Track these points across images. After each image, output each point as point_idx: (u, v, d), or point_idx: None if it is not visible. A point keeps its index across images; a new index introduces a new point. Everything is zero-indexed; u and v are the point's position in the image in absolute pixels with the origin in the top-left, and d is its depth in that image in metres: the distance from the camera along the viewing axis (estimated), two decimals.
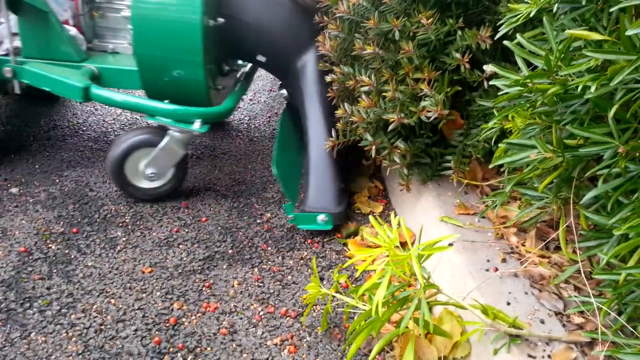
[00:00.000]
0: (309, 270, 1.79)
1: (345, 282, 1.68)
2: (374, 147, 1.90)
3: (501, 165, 1.44)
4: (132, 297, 1.59)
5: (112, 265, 1.72)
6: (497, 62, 1.77)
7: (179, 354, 1.42)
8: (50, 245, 1.78)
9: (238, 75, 2.46)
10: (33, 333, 1.43)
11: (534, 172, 1.37)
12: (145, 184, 2.08)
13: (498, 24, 1.37)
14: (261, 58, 2.25)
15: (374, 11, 1.80)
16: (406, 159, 1.85)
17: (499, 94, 1.30)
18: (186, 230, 1.94)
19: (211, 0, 1.99)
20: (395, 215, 2.09)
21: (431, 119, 1.66)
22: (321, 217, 1.99)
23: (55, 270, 1.68)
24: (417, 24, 1.72)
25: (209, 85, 2.06)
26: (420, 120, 1.75)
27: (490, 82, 1.33)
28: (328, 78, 2.05)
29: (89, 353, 1.39)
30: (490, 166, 1.47)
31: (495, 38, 1.46)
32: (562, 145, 1.20)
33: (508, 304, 1.39)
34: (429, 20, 1.67)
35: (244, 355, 1.44)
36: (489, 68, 1.45)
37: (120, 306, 1.55)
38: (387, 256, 1.25)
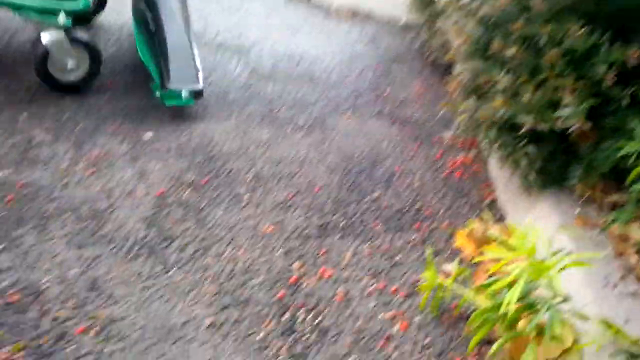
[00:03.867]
0: (417, 253, 1.85)
1: (455, 271, 1.73)
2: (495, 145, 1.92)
3: (623, 181, 1.44)
4: (257, 252, 1.71)
5: (238, 219, 1.85)
6: None
7: (300, 310, 1.53)
8: (183, 192, 1.93)
9: None
10: (173, 269, 1.58)
11: None
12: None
13: None
14: None
15: (519, 15, 1.80)
16: (533, 164, 1.86)
17: None
18: (301, 197, 2.04)
19: None
20: (501, 215, 2.12)
21: (570, 130, 1.66)
22: (185, 93, 2.32)
23: (188, 216, 1.82)
24: (565, 32, 1.70)
25: None
26: (552, 129, 1.75)
27: None
28: (456, 71, 2.07)
29: (222, 296, 1.53)
30: (629, 187, 1.47)
31: None
32: None
33: (626, 321, 1.40)
34: (580, 31, 1.65)
35: (358, 323, 1.53)
36: None
37: (248, 257, 1.68)
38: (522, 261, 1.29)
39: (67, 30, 2.32)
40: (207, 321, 1.45)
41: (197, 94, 2.40)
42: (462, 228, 2.01)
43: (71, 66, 2.38)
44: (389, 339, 1.49)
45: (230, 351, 1.37)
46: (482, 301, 1.50)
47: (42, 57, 2.31)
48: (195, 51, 2.56)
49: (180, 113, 2.46)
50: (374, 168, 2.33)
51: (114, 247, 1.64)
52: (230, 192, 1.98)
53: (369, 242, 1.85)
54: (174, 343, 1.36)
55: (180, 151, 2.18)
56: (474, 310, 1.57)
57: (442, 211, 2.09)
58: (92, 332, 1.36)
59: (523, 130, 1.79)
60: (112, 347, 1.33)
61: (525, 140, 1.91)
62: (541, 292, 1.35)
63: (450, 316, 1.59)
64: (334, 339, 1.47)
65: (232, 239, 1.74)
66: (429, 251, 1.77)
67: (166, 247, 1.66)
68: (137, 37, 2.60)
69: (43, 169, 1.94)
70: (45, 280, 1.49)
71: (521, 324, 1.40)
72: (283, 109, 2.71)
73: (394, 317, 1.56)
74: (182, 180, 2.00)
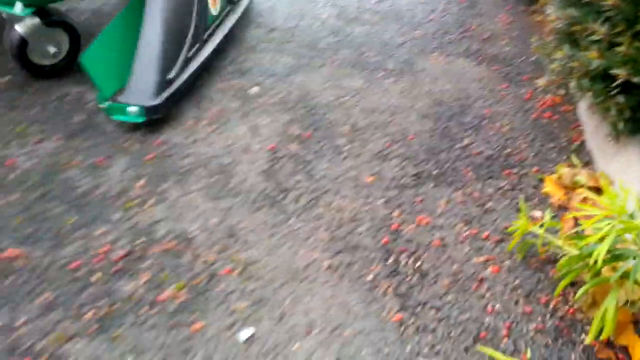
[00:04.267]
0: (507, 200, 1.99)
1: (546, 221, 1.86)
2: (590, 93, 1.97)
3: None
4: (361, 201, 1.94)
5: (341, 170, 2.07)
6: None
7: (402, 255, 1.76)
8: (290, 146, 2.16)
9: None
10: (292, 219, 1.85)
11: None
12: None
13: None
14: None
15: None
16: (623, 113, 1.90)
17: None
18: (396, 146, 2.21)
19: None
20: (589, 159, 2.19)
21: None
22: (132, 109, 2.05)
23: (298, 169, 2.06)
24: None
25: None
26: None
27: None
28: (551, 17, 2.07)
29: (335, 242, 1.78)
30: None
31: None
32: None
33: None
34: None
35: (454, 266, 1.74)
36: None
37: (353, 207, 1.91)
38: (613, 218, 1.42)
39: (41, 14, 2.29)
40: (325, 264, 1.72)
41: (149, 110, 2.11)
42: (550, 173, 2.12)
43: (53, 51, 2.41)
44: (482, 281, 1.70)
45: (346, 290, 1.64)
46: (570, 249, 1.65)
47: (20, 46, 2.29)
48: (179, 59, 2.31)
49: (279, 65, 2.64)
50: (464, 112, 2.43)
51: (241, 199, 1.92)
52: (332, 144, 2.19)
53: (461, 190, 2.02)
54: (301, 282, 1.65)
55: (284, 105, 2.39)
56: (560, 256, 1.74)
57: (531, 156, 2.20)
58: (235, 273, 1.67)
59: (617, 82, 1.82)
60: (253, 285, 1.64)
61: (617, 90, 1.94)
62: (627, 245, 1.48)
63: (537, 261, 1.76)
64: (433, 280, 1.70)
65: (337, 190, 1.97)
66: (521, 199, 1.92)
67: (283, 198, 1.92)
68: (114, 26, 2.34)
69: (173, 128, 2.24)
70: (192, 229, 1.80)
71: (604, 270, 1.55)
72: (372, 54, 2.81)
73: (486, 261, 1.75)
74: (289, 134, 2.23)
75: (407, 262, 1.74)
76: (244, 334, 1.50)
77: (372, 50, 2.84)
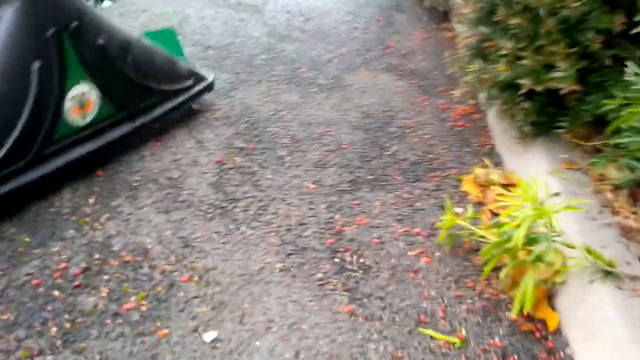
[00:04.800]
0: (433, 199, 2.23)
1: (469, 213, 2.11)
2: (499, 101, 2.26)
3: (603, 128, 1.79)
4: (305, 207, 2.09)
5: (285, 180, 2.22)
6: (626, 45, 2.02)
7: (346, 253, 1.93)
8: (236, 158, 2.28)
9: None
10: (243, 227, 1.97)
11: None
12: None
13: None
14: None
15: None
16: (528, 117, 2.20)
17: (633, 87, 1.62)
18: (333, 155, 2.40)
19: None
20: (499, 160, 2.48)
21: (562, 92, 1.99)
22: None
23: (245, 180, 2.19)
24: (562, 3, 1.98)
25: None
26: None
27: (628, 79, 1.65)
28: (463, 34, 2.34)
29: (285, 246, 1.92)
30: (609, 139, 1.82)
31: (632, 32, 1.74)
32: None
33: (602, 247, 1.80)
34: (577, 3, 1.93)
35: (392, 260, 1.93)
36: (628, 71, 1.74)
37: (299, 212, 2.06)
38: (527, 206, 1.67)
39: None
40: (278, 266, 1.85)
41: None
42: (467, 174, 2.39)
43: None
44: (417, 271, 1.91)
45: (299, 288, 1.78)
46: (491, 237, 1.90)
47: None
48: None
49: (219, 82, 2.75)
50: (390, 123, 2.67)
51: (193, 210, 2.02)
52: (275, 155, 2.34)
53: (392, 193, 2.23)
54: (257, 284, 1.77)
55: (227, 119, 2.52)
56: (483, 245, 1.98)
57: (450, 160, 2.46)
58: (193, 280, 1.76)
59: (522, 91, 2.12)
60: (211, 290, 1.74)
61: (522, 98, 2.24)
62: (540, 229, 1.74)
63: (463, 250, 2.00)
64: (375, 274, 1.88)
65: (283, 198, 2.12)
66: (446, 198, 2.16)
67: (233, 208, 2.04)
68: None
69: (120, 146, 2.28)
70: (147, 241, 1.87)
71: (521, 254, 1.81)
72: (304, 70, 3.00)
73: (419, 254, 1.97)
74: (234, 147, 2.35)
75: (351, 260, 1.92)
76: (208, 336, 1.60)
77: (304, 67, 3.03)
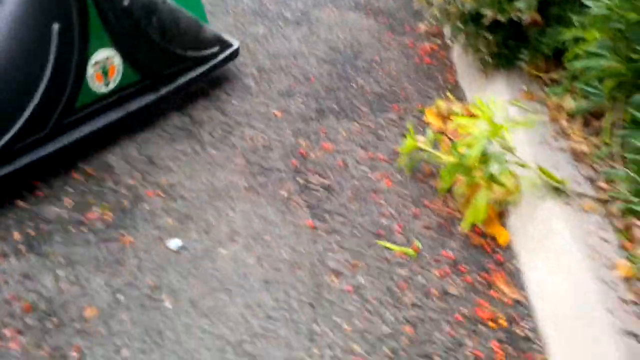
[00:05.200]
0: (396, 128, 2.29)
1: (429, 137, 2.17)
2: (464, 34, 2.30)
3: (561, 61, 1.86)
4: (271, 131, 2.12)
5: (252, 107, 2.23)
6: None
7: (309, 174, 1.98)
8: (202, 85, 2.28)
9: None
10: (208, 147, 1.99)
11: (596, 74, 1.79)
12: None
13: None
14: None
15: None
16: (490, 48, 2.26)
17: (588, 10, 1.68)
18: (300, 86, 2.41)
19: None
20: (462, 95, 2.55)
21: (523, 20, 2.04)
22: None
23: (210, 105, 2.20)
24: None
25: None
26: (509, 18, 2.13)
27: (585, 1, 1.70)
28: None
29: (251, 165, 1.96)
30: (566, 64, 1.89)
31: None
32: (629, 58, 1.61)
33: (555, 168, 1.89)
34: None
35: (355, 182, 1.99)
36: None
37: (265, 137, 2.09)
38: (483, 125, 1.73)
39: None
40: (243, 184, 1.89)
41: None
42: (430, 107, 2.45)
43: None
44: (378, 192, 1.97)
45: (264, 204, 1.83)
46: (450, 159, 1.97)
47: None
48: None
49: None
50: (357, 57, 2.69)
51: (158, 131, 2.02)
52: (241, 84, 2.34)
53: (357, 122, 2.27)
54: (222, 200, 1.81)
55: None
56: (442, 168, 2.06)
57: (414, 93, 2.51)
58: (159, 195, 1.78)
59: (485, 21, 2.16)
60: (177, 205, 1.77)
61: (485, 29, 2.28)
62: (496, 148, 1.81)
63: (422, 175, 2.07)
64: (337, 193, 1.93)
65: (249, 123, 2.14)
66: (409, 124, 2.21)
67: (199, 130, 2.05)
68: None
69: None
70: (112, 158, 1.88)
71: (477, 174, 1.88)
72: (270, 5, 2.96)
73: (381, 177, 2.03)
74: None
75: (315, 180, 1.97)
76: (173, 243, 1.64)
77: (270, 2, 3.00)
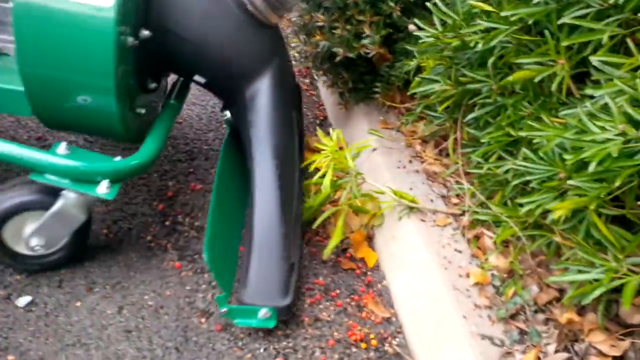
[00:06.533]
0: None
1: None
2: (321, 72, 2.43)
3: (415, 93, 2.02)
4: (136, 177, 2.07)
5: None
6: (421, 12, 2.30)
7: (178, 216, 1.94)
8: None
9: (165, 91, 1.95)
10: None
11: (436, 99, 1.96)
12: (28, 252, 1.58)
13: None
14: (200, 79, 1.83)
15: None
16: (347, 84, 2.40)
17: (420, 41, 1.85)
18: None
19: (132, 6, 1.47)
20: (333, 129, 2.67)
21: (369, 55, 2.19)
22: (263, 312, 1.57)
23: None
24: None
25: (124, 115, 1.57)
26: (359, 55, 2.28)
27: (415, 33, 1.87)
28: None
29: (111, 213, 1.88)
30: (409, 93, 2.05)
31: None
32: (458, 81, 1.79)
33: (410, 189, 2.02)
34: None
35: None
36: (411, 27, 1.98)
37: (129, 182, 2.03)
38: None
39: None
40: (103, 232, 1.81)
41: (282, 312, 1.58)
42: None
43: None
44: None
45: (125, 251, 1.76)
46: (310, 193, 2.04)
47: None
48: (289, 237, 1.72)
49: None
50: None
51: None
52: None
53: None
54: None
55: None
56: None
57: None
58: None
59: (338, 59, 2.30)
60: None
61: (341, 67, 2.43)
62: (350, 176, 1.90)
63: None
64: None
65: None
66: None
67: None
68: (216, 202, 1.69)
69: None
70: None
71: (339, 202, 1.96)
72: None
73: None
74: None
75: (184, 222, 1.94)
76: (22, 300, 1.52)
77: None
